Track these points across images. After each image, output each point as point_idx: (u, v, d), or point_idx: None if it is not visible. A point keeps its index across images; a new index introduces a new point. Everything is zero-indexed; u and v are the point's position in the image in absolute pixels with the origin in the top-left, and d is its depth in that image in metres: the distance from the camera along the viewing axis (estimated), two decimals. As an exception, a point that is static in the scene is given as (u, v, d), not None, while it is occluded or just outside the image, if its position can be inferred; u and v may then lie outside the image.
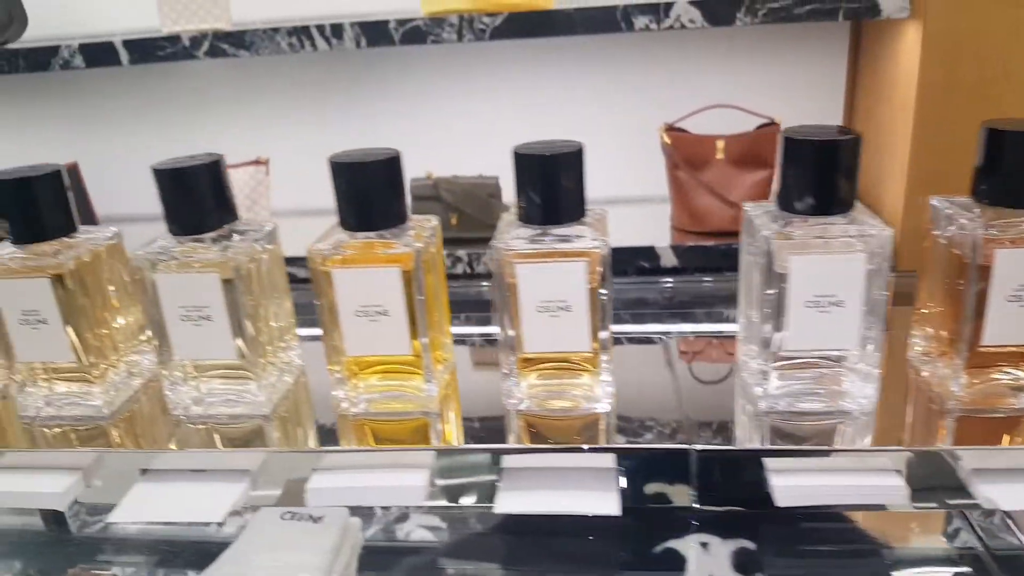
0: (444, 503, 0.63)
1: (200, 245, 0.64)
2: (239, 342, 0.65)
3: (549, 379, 0.66)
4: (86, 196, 1.19)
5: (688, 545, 0.61)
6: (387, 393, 0.67)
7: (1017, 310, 0.57)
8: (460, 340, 0.82)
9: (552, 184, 0.61)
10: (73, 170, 1.17)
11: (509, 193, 0.69)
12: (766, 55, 1.15)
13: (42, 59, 0.99)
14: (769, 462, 0.60)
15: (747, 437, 0.62)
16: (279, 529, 0.56)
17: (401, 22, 0.95)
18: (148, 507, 0.63)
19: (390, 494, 0.63)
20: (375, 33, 0.96)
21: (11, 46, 0.79)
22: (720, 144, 1.07)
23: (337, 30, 0.96)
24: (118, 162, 1.17)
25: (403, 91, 1.19)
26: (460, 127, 1.20)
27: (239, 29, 0.98)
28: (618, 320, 0.86)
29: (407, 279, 0.62)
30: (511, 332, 0.64)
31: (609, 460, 0.61)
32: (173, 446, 0.65)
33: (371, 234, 0.63)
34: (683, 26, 0.94)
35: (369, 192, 0.63)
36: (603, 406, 0.66)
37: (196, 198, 0.64)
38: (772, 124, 1.07)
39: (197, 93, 1.22)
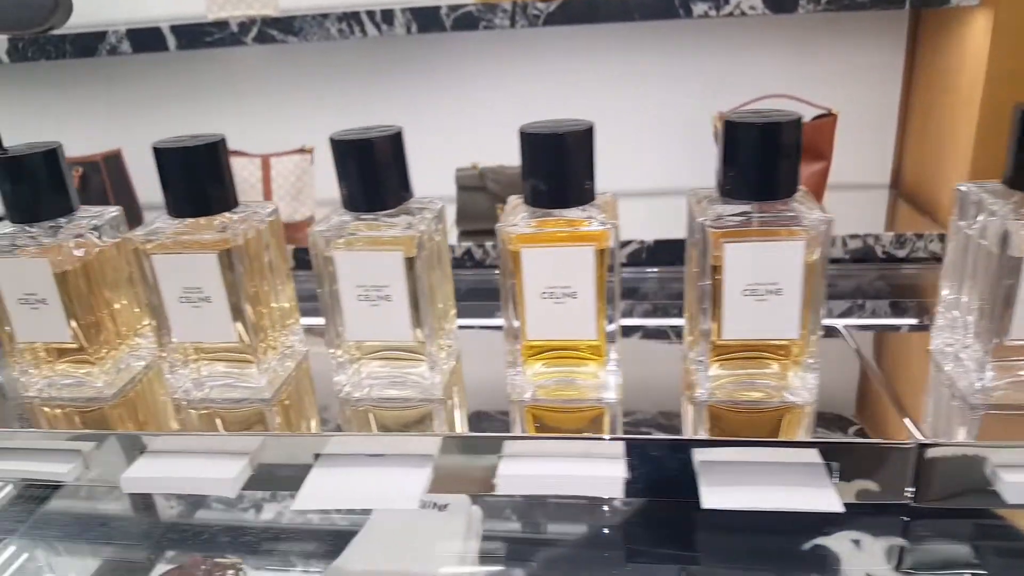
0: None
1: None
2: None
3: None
4: (128, 182, 1.20)
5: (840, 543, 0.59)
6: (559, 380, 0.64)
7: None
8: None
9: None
10: (116, 157, 1.18)
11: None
12: (821, 44, 1.10)
13: (89, 44, 1.00)
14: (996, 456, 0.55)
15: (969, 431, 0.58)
16: (407, 517, 0.55)
17: (453, 8, 0.93)
18: (333, 494, 0.59)
19: (580, 484, 0.59)
20: (426, 19, 0.94)
21: (57, 32, 0.79)
22: None
23: (388, 16, 0.94)
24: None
25: (449, 79, 1.17)
26: (507, 116, 1.17)
27: (287, 15, 0.97)
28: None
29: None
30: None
31: (815, 455, 0.57)
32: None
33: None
34: (743, 13, 0.89)
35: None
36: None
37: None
38: (829, 115, 1.01)
39: (241, 80, 1.22)
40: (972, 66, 0.88)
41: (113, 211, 0.70)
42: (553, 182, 0.58)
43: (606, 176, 0.63)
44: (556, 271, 0.58)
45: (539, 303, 0.60)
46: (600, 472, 0.58)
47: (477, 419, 0.63)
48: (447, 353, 0.67)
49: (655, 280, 0.95)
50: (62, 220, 0.66)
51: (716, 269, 0.57)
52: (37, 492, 0.72)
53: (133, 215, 1.04)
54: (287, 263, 0.71)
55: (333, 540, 0.59)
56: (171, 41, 0.99)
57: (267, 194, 1.15)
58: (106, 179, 1.16)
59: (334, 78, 1.19)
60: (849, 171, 1.08)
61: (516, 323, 0.61)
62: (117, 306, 0.70)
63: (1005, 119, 0.78)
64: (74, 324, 0.66)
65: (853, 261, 0.95)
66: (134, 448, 0.64)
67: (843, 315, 0.81)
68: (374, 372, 0.65)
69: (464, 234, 1.06)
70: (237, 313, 0.63)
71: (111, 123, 1.26)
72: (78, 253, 0.65)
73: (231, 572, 0.58)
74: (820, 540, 0.60)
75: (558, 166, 0.58)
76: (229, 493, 0.60)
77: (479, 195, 1.06)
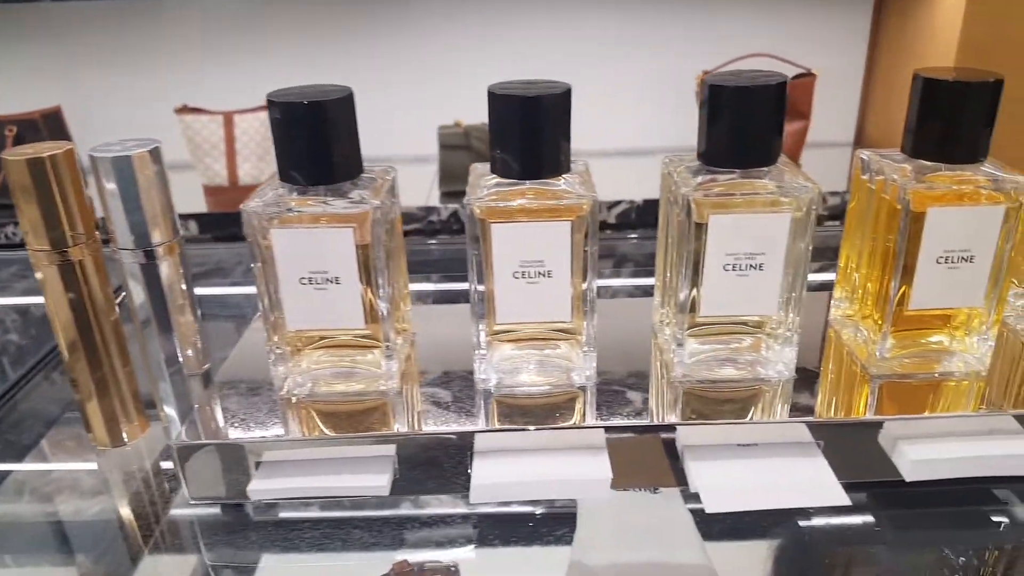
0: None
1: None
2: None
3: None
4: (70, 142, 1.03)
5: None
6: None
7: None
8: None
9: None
10: (56, 114, 1.03)
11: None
12: (797, 5, 1.07)
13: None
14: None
15: None
16: (622, 501, 0.47)
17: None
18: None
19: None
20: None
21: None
22: None
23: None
24: (102, 106, 1.04)
25: (431, 33, 1.05)
26: (491, 72, 1.04)
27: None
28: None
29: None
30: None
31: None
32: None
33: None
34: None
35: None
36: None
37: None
38: (809, 75, 1.00)
39: (200, 30, 1.07)
40: (943, 34, 0.83)
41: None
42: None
43: (588, 136, 0.53)
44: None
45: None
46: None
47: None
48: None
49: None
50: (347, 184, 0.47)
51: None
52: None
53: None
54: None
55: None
56: None
57: (230, 155, 1.03)
58: (46, 139, 0.97)
59: (307, 28, 1.05)
60: (817, 129, 1.09)
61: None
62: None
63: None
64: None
65: (831, 218, 0.91)
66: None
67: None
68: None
69: (447, 195, 0.98)
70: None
71: (50, 78, 1.09)
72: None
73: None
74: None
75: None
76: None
77: (464, 154, 0.96)
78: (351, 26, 1.02)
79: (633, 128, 1.05)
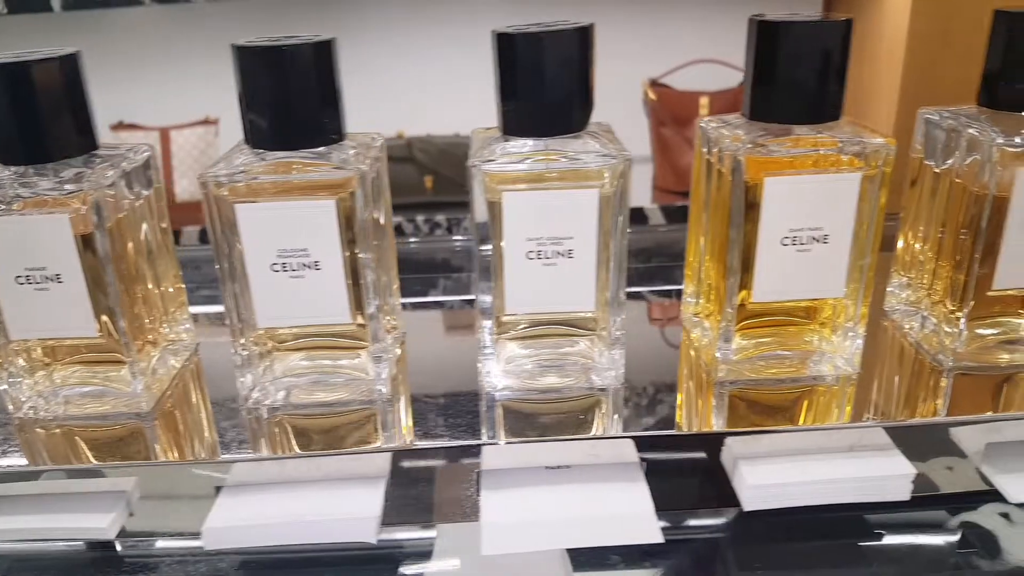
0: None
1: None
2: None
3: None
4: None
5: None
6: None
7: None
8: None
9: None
10: None
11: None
12: (744, 7, 1.00)
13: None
14: None
15: None
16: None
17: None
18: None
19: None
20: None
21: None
22: (704, 100, 0.92)
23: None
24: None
25: (370, 42, 1.01)
26: (433, 83, 1.01)
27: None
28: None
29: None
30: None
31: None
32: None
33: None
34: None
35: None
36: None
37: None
38: None
39: (135, 44, 1.00)
40: (892, 31, 0.78)
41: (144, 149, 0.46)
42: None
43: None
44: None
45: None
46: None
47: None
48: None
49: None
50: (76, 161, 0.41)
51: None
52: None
53: None
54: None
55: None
56: (55, 1, 0.78)
57: (167, 171, 0.98)
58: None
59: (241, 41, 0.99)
60: None
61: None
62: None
63: (928, 80, 0.69)
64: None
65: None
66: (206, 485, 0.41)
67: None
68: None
69: (394, 208, 0.93)
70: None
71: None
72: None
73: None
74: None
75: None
76: (371, 538, 0.38)
77: (406, 166, 0.92)
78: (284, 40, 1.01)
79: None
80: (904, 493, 0.39)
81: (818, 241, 0.40)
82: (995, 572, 0.38)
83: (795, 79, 0.39)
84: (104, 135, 0.41)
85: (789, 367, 0.43)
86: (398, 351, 0.48)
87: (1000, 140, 0.40)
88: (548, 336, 0.43)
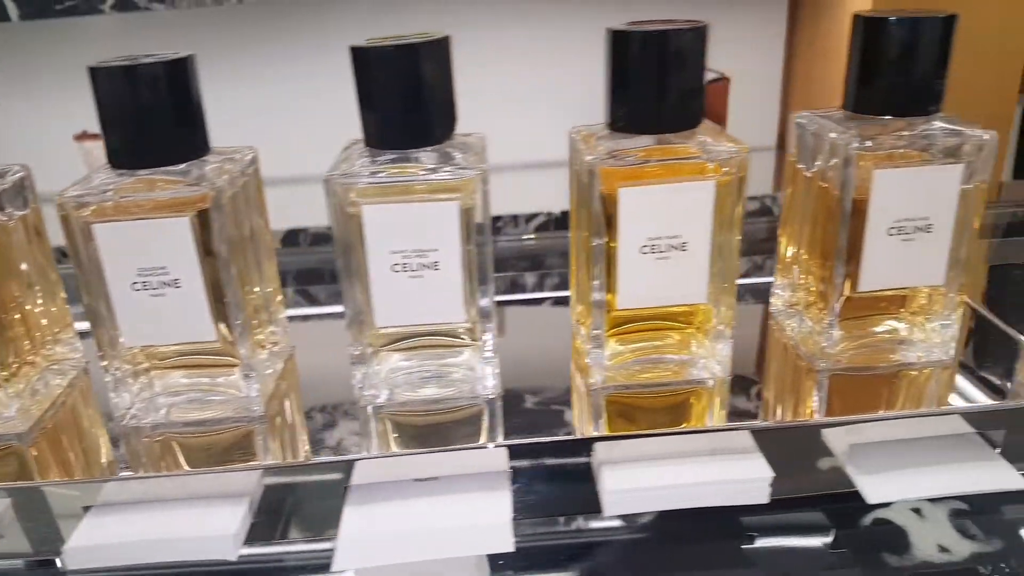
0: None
1: None
2: None
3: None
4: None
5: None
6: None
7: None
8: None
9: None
10: None
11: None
12: (711, 9, 0.97)
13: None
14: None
15: None
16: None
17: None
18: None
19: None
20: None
21: None
22: None
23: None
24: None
25: (339, 47, 0.96)
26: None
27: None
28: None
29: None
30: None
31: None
32: None
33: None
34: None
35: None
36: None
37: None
38: (723, 79, 0.92)
39: (98, 54, 0.97)
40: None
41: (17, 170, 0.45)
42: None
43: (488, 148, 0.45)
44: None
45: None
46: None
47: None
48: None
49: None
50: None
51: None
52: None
53: None
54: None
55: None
56: (13, 10, 0.75)
57: None
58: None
59: (204, 49, 0.95)
60: (739, 134, 1.02)
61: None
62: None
63: None
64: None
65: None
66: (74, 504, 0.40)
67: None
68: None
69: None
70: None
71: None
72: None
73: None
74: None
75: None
76: (230, 555, 0.38)
77: None
78: (247, 46, 0.97)
79: (534, 140, 0.95)
80: (763, 496, 0.39)
81: (677, 249, 0.40)
82: (903, 568, 0.39)
83: (646, 84, 0.39)
84: (68, 145, 0.40)
85: (667, 371, 0.44)
86: (279, 366, 0.48)
87: (856, 144, 0.40)
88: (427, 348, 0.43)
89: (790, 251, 0.49)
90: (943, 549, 0.39)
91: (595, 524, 0.41)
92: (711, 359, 0.44)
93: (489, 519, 0.37)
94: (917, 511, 0.42)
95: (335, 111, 0.52)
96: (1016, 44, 0.66)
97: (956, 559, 0.39)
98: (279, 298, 0.48)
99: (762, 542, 0.40)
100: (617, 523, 0.41)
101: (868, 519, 0.41)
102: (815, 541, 0.41)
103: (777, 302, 0.51)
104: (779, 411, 0.42)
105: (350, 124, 0.42)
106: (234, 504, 0.38)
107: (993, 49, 0.66)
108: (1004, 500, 0.41)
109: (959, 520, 0.41)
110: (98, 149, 0.96)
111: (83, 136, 1.07)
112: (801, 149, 0.46)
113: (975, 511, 0.41)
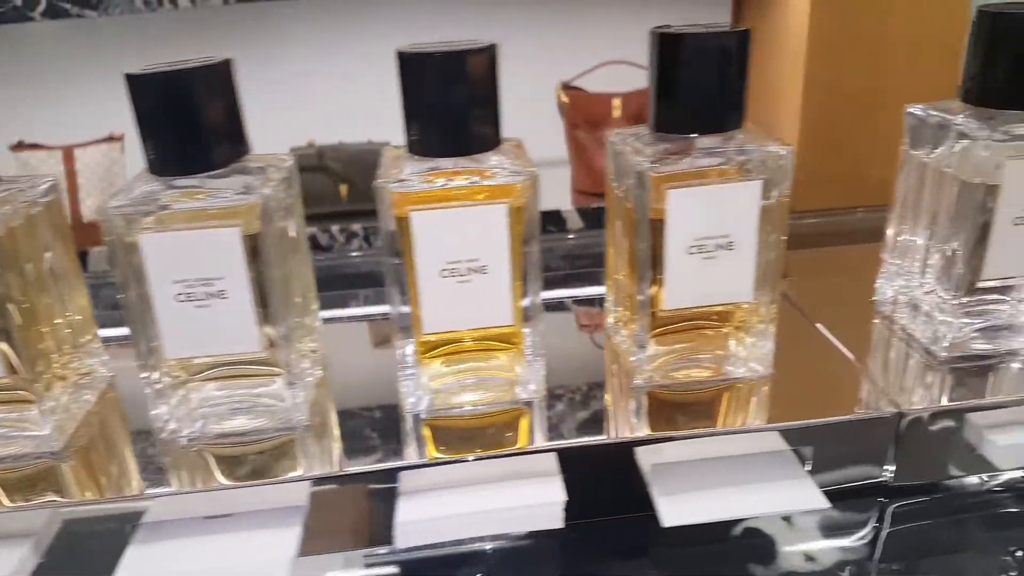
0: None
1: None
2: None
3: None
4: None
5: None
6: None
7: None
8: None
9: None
10: None
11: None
12: (654, 8, 0.96)
13: None
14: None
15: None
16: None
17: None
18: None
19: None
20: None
21: None
22: (617, 102, 0.91)
23: (203, -16, 0.70)
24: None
25: (273, 51, 0.96)
26: (340, 89, 0.97)
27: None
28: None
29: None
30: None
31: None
32: None
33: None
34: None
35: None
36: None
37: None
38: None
39: (31, 62, 0.95)
40: (795, 31, 0.79)
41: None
42: (450, 121, 0.39)
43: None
44: (461, 240, 0.39)
45: (438, 283, 0.39)
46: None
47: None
48: (311, 361, 0.46)
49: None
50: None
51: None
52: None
53: None
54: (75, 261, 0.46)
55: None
56: None
57: (72, 190, 0.91)
58: None
59: (148, 55, 0.94)
60: None
61: (405, 310, 0.41)
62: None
63: (829, 84, 0.71)
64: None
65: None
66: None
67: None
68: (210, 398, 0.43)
69: (307, 218, 0.90)
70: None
71: None
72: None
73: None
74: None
75: (456, 99, 0.39)
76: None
77: (319, 176, 0.88)
78: (194, 49, 0.98)
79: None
80: (556, 521, 0.39)
81: (477, 272, 0.40)
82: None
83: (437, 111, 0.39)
84: (3, 155, 0.39)
85: (492, 391, 0.43)
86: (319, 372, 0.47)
87: (648, 164, 0.40)
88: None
89: (616, 268, 0.48)
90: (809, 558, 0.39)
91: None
92: (528, 379, 0.44)
93: (272, 555, 0.37)
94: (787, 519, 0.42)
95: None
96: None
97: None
98: (315, 305, 0.48)
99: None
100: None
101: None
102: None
103: (610, 318, 0.50)
104: (587, 429, 0.41)
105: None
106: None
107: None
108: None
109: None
110: (35, 159, 0.95)
111: (19, 147, 1.04)
112: (617, 168, 0.44)
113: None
